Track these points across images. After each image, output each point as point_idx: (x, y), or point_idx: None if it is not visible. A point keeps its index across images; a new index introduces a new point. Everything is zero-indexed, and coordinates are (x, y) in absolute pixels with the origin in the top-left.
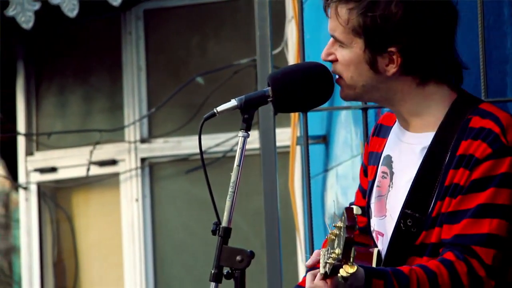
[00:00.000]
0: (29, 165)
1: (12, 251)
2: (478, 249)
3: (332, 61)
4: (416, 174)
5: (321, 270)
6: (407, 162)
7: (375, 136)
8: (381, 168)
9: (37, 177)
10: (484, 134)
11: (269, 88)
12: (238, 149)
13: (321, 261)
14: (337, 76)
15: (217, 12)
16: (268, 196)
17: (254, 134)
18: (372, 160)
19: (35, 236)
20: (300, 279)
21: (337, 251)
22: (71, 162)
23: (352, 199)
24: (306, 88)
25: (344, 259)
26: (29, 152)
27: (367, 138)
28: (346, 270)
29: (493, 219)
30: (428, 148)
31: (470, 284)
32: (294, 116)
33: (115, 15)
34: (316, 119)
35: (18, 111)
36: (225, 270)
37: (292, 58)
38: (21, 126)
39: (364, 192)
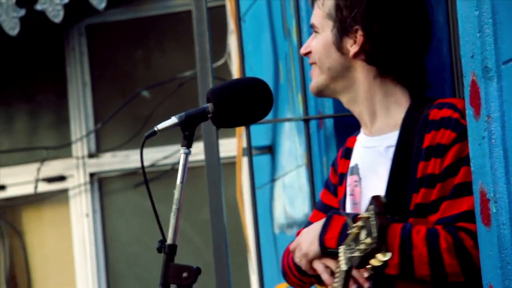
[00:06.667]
0: None
1: None
2: (462, 224)
3: (308, 53)
4: (389, 172)
5: (343, 267)
6: (373, 163)
7: (342, 159)
8: (350, 178)
9: None
10: (445, 123)
11: (209, 104)
12: (180, 166)
13: (342, 259)
14: (311, 67)
15: (159, 25)
16: (214, 209)
17: (200, 146)
18: (341, 181)
19: None
20: None
21: (368, 240)
22: (19, 179)
23: (299, 208)
24: (245, 103)
25: (379, 246)
26: None
27: (334, 160)
28: (379, 259)
29: (470, 196)
30: (395, 147)
31: (458, 254)
32: (239, 127)
33: (58, 32)
34: (261, 130)
35: None
36: (173, 287)
37: (235, 70)
38: None
39: (323, 208)
